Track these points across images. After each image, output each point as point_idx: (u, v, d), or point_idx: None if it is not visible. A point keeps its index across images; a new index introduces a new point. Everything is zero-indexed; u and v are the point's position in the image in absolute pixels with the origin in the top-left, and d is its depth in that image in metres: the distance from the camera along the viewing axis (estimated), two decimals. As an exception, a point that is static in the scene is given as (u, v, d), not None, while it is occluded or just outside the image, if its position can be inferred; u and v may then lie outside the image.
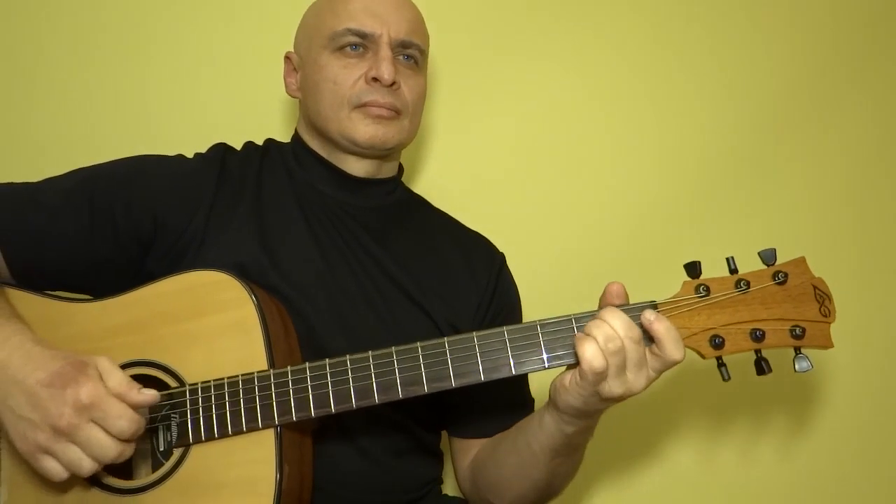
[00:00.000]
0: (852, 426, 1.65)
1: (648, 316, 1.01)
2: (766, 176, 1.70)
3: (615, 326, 1.00)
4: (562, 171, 1.69)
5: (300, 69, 1.37)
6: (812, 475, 1.63)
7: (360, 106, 1.28)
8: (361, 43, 1.29)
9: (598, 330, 1.00)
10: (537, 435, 1.13)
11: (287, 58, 1.40)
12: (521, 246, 1.49)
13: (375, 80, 1.27)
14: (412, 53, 1.33)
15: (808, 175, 1.71)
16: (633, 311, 1.03)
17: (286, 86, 1.40)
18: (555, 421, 1.10)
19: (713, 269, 1.05)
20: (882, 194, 1.73)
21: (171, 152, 1.31)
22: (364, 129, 1.28)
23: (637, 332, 1.00)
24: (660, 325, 1.00)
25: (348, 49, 1.29)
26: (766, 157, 1.71)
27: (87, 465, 0.99)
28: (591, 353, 0.99)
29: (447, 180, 1.66)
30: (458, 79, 1.67)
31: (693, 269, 1.05)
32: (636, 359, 1.00)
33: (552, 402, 1.09)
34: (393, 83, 1.28)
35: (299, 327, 1.17)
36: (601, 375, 0.99)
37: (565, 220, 1.68)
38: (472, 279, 1.33)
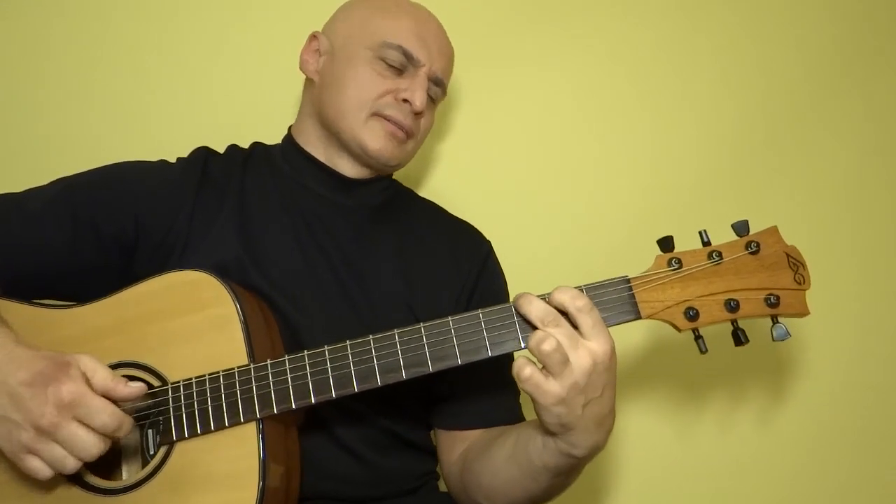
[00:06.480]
0: (829, 393, 1.64)
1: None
2: (757, 174, 1.71)
3: (557, 301, 0.98)
4: (551, 165, 1.69)
5: (327, 54, 1.36)
6: (790, 442, 1.62)
7: (379, 115, 1.30)
8: (404, 63, 1.31)
9: (534, 313, 0.98)
10: (541, 454, 1.08)
11: (314, 36, 1.39)
12: (512, 236, 1.49)
13: (406, 101, 1.30)
14: (436, 93, 1.37)
15: (797, 171, 1.71)
16: (607, 287, 1.03)
17: (302, 62, 1.38)
18: (560, 447, 1.04)
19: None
20: (864, 184, 1.73)
21: (169, 154, 1.33)
22: (377, 139, 1.30)
23: (583, 298, 0.98)
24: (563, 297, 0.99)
25: (388, 63, 1.31)
26: (757, 156, 1.71)
27: (70, 463, 1.00)
28: (534, 341, 0.96)
29: (440, 179, 1.67)
30: (455, 78, 1.69)
31: (666, 243, 1.05)
32: (590, 322, 0.97)
33: (548, 433, 1.04)
34: (419, 112, 1.31)
35: (281, 325, 1.17)
36: (554, 355, 0.96)
37: (556, 213, 1.68)
38: (455, 267, 1.33)
